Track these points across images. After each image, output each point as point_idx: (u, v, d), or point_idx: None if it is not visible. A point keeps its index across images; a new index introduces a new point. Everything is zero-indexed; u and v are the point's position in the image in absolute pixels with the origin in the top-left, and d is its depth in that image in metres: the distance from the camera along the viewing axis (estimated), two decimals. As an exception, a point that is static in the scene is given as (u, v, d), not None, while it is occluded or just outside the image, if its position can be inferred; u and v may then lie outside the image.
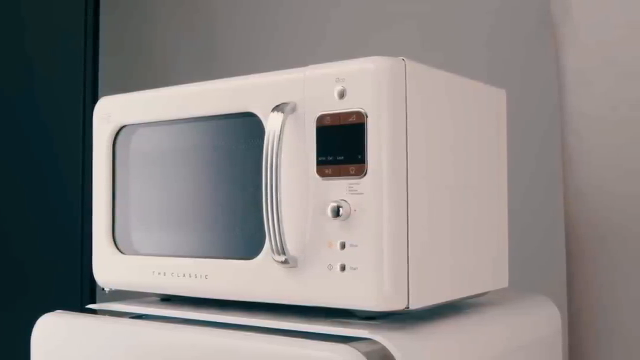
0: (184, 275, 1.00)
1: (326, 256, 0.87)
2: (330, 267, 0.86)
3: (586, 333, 1.32)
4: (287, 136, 0.90)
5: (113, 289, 1.12)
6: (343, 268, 0.85)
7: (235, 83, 0.97)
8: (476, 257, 1.01)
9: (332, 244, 0.86)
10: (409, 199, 0.85)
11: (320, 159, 0.88)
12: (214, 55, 2.09)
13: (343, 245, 0.85)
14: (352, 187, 0.85)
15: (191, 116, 1.01)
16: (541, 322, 1.12)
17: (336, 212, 0.85)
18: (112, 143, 1.11)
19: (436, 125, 0.92)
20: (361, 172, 0.84)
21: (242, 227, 0.96)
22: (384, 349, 0.80)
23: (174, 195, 1.03)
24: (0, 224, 2.04)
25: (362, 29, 1.79)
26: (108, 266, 1.10)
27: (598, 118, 1.30)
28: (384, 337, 0.82)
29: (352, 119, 0.85)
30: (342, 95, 0.86)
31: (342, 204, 0.85)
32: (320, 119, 0.88)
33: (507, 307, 1.10)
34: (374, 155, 0.84)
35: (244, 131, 0.96)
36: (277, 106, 0.90)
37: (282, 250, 0.88)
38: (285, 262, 0.89)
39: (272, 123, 0.89)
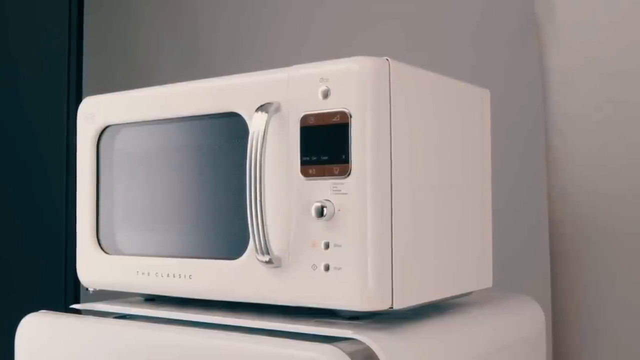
0: (168, 275, 1.00)
1: (310, 256, 0.87)
2: (314, 267, 0.86)
3: (570, 333, 1.33)
4: (271, 136, 0.90)
5: (97, 289, 1.11)
6: (327, 268, 0.85)
7: (219, 83, 0.97)
8: (460, 257, 1.01)
9: (316, 244, 0.86)
10: (393, 199, 0.85)
11: (304, 159, 0.88)
12: (198, 55, 2.08)
13: (327, 245, 0.85)
14: (336, 187, 0.85)
15: (175, 116, 1.01)
16: (525, 322, 1.13)
17: (320, 212, 0.85)
18: (96, 143, 1.10)
19: (420, 125, 0.92)
20: (345, 172, 0.84)
21: (226, 227, 0.96)
22: (367, 349, 0.80)
23: (158, 195, 1.03)
24: (-16, 224, 2.04)
25: (346, 29, 1.79)
26: (92, 266, 1.10)
27: (582, 118, 1.31)
28: (368, 337, 0.82)
29: (336, 119, 0.85)
30: (326, 95, 0.86)
31: (326, 204, 0.85)
32: (305, 119, 0.88)
33: (491, 307, 1.10)
34: (358, 155, 0.84)
35: (228, 131, 0.96)
36: (261, 106, 0.90)
37: (266, 250, 0.88)
38: (269, 262, 0.88)
39: (256, 123, 0.89)
